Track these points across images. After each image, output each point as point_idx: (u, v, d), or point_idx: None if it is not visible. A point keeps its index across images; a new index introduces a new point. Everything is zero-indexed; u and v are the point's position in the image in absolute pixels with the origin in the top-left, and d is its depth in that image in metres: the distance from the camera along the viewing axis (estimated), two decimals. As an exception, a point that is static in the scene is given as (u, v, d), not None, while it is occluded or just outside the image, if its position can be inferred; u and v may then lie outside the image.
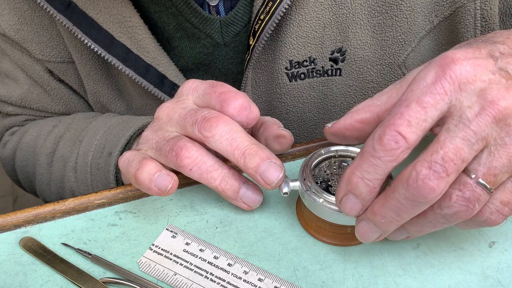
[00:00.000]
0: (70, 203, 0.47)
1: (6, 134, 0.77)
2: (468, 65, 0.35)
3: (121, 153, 0.56)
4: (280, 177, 0.42)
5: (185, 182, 0.48)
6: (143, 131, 0.58)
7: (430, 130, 0.35)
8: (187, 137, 0.44)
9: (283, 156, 0.51)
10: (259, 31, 0.55)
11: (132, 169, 0.43)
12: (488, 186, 0.35)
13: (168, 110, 0.46)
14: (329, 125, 0.43)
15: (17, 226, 0.45)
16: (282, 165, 0.42)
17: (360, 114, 0.41)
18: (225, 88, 0.44)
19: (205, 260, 0.42)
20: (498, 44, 0.37)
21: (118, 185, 0.56)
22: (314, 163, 0.44)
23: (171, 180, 0.42)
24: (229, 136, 0.42)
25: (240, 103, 0.43)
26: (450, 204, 0.35)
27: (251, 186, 0.44)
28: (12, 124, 0.75)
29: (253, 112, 0.44)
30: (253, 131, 0.50)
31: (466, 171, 0.35)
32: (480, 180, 0.34)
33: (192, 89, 0.46)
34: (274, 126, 0.48)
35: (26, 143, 0.70)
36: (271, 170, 0.42)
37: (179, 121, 0.44)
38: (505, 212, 0.36)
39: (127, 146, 0.57)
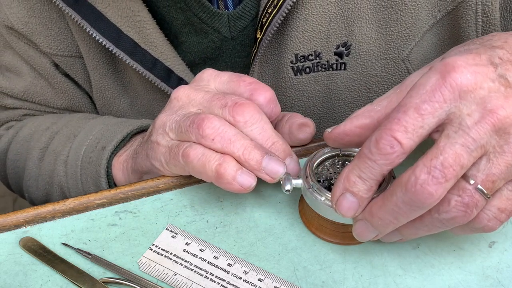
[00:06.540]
0: (70, 203, 0.47)
1: (1, 129, 0.75)
2: (469, 73, 0.35)
3: (115, 148, 0.56)
4: (283, 172, 0.43)
5: (185, 182, 0.48)
6: (141, 131, 0.58)
7: (429, 136, 0.36)
8: None
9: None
10: (266, 24, 0.56)
11: (211, 164, 0.43)
12: (486, 192, 0.35)
13: (189, 91, 0.46)
14: (328, 130, 0.43)
15: (17, 226, 0.45)
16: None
17: (360, 119, 0.41)
18: (253, 79, 0.46)
19: (205, 260, 0.42)
20: (497, 48, 0.37)
21: (109, 181, 0.56)
22: (317, 161, 0.44)
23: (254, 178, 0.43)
24: (260, 125, 0.44)
25: (269, 95, 0.46)
26: (449, 209, 0.35)
27: (273, 157, 0.43)
28: (10, 118, 0.74)
29: (277, 107, 0.46)
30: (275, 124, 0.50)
31: (465, 177, 0.35)
32: (479, 186, 0.35)
33: (214, 76, 0.47)
34: (299, 115, 0.49)
35: (23, 137, 0.69)
36: (292, 165, 0.45)
37: (203, 102, 0.45)
38: (502, 218, 0.37)
39: (123, 142, 0.56)
